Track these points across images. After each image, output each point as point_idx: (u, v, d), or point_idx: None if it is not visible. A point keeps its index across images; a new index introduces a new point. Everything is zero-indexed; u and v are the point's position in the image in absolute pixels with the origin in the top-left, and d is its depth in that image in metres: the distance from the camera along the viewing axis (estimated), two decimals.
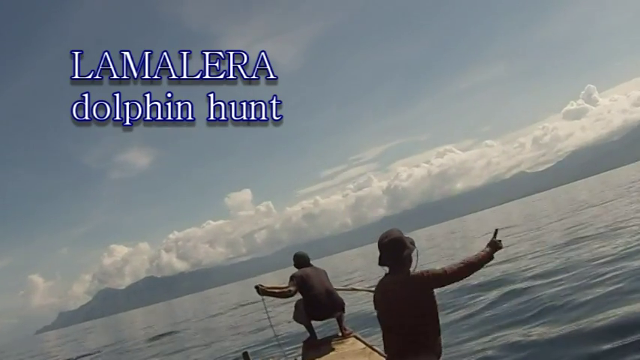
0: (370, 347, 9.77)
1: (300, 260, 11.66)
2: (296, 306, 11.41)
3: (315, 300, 10.98)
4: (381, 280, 5.52)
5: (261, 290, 10.33)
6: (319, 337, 11.60)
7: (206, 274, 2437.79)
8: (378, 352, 9.22)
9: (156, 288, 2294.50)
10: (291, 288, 10.83)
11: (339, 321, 11.33)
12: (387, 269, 5.60)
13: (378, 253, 5.62)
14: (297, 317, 11.42)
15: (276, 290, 10.71)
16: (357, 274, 45.50)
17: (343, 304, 11.23)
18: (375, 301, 5.52)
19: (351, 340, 10.95)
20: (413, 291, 5.35)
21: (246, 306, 43.55)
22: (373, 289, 5.65)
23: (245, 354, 8.71)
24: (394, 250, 5.53)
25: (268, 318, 11.52)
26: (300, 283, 10.99)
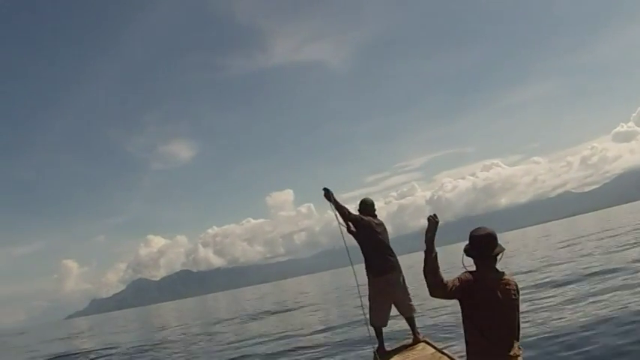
0: (440, 351, 9.76)
1: (367, 207, 11.28)
2: (371, 307, 11.08)
3: (377, 251, 10.81)
4: (481, 275, 5.33)
5: (331, 195, 10.14)
6: (394, 337, 11.94)
7: (242, 272, 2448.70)
8: (448, 356, 9.30)
9: (190, 282, 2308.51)
10: (358, 217, 10.75)
11: (411, 323, 11.16)
12: (470, 264, 5.50)
13: (464, 250, 5.54)
14: (372, 320, 11.06)
15: (342, 205, 10.45)
16: None
17: (399, 265, 10.98)
18: (474, 294, 5.25)
19: (422, 345, 10.87)
20: (517, 293, 5.40)
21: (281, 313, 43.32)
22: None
23: None
24: (490, 245, 5.47)
25: (342, 237, 10.94)
26: (367, 226, 10.81)
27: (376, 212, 11.34)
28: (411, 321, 11.18)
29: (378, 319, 10.92)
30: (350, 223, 10.87)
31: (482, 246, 5.42)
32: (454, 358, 9.19)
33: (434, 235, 5.41)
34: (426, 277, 5.17)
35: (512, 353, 5.16)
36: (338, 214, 10.78)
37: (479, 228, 5.64)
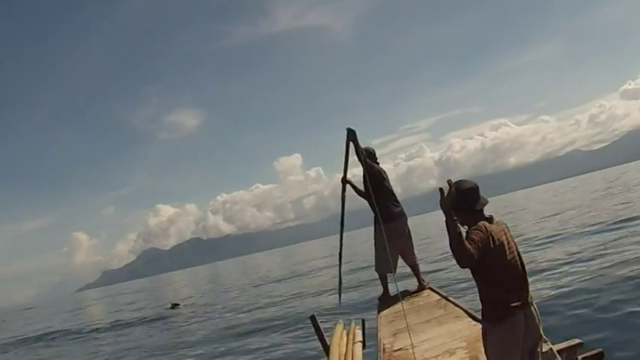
0: (446, 298, 9.81)
1: (370, 156, 10.99)
2: (375, 257, 11.16)
3: (386, 199, 10.71)
4: (483, 223, 5.09)
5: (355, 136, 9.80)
6: (399, 288, 10.97)
7: (252, 238, 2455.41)
8: (454, 303, 9.36)
9: (201, 249, 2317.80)
10: (372, 163, 10.67)
11: (416, 271, 11.21)
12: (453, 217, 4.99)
13: (439, 215, 5.23)
14: (377, 267, 11.17)
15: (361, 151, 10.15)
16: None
17: (405, 214, 10.95)
18: (492, 238, 4.99)
19: (426, 292, 11.00)
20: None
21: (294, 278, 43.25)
22: None
23: (312, 317, 8.30)
24: (478, 196, 5.27)
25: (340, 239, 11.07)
26: (378, 174, 10.74)
27: (378, 161, 11.18)
28: (415, 269, 11.21)
29: (385, 265, 10.67)
30: (360, 190, 10.93)
31: (474, 198, 5.24)
32: (459, 304, 9.25)
33: (453, 202, 4.99)
34: (454, 250, 4.83)
35: (530, 296, 5.12)
36: (356, 157, 10.31)
37: (463, 181, 5.34)
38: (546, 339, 5.27)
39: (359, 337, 7.31)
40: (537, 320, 5.06)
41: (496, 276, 5.01)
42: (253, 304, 28.01)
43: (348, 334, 7.32)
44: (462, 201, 5.14)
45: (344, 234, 11.00)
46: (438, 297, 10.27)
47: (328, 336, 8.20)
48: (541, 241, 26.09)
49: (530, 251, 22.97)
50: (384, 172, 10.93)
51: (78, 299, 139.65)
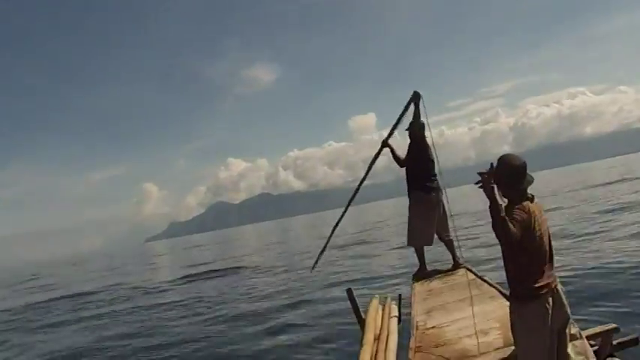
0: (481, 278, 9.87)
1: (421, 129, 10.79)
2: (409, 230, 11.24)
3: (426, 171, 10.79)
4: (527, 204, 5.08)
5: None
6: (433, 266, 11.55)
7: (323, 195, 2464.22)
8: (489, 283, 9.38)
9: (270, 205, 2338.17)
10: (423, 134, 10.65)
11: (451, 248, 11.27)
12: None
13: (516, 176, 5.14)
14: (411, 240, 11.27)
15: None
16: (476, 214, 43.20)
17: (441, 189, 10.78)
18: (533, 219, 5.01)
19: (462, 271, 10.86)
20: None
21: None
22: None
23: (349, 290, 8.19)
24: (525, 174, 5.19)
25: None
26: (425, 147, 10.72)
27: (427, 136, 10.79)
28: (450, 245, 11.25)
29: (422, 237, 11.02)
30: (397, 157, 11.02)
31: (522, 175, 5.17)
32: (494, 284, 9.27)
33: (501, 178, 5.01)
34: (498, 234, 4.81)
35: (555, 277, 5.15)
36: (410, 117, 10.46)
37: (514, 156, 5.23)
38: (573, 321, 5.27)
39: (395, 312, 7.32)
40: (565, 302, 5.09)
41: (528, 256, 5.01)
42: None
43: (384, 309, 7.34)
44: (510, 176, 5.09)
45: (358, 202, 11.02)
46: (473, 276, 10.30)
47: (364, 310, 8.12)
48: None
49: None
50: (430, 146, 10.74)
51: (146, 250, 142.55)
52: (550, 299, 4.97)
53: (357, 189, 10.90)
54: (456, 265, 11.27)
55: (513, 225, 4.78)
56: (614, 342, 6.01)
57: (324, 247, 10.88)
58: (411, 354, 6.83)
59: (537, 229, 5.00)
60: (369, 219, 78.48)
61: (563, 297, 5.08)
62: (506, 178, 5.07)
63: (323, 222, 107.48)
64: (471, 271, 10.72)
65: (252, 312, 17.73)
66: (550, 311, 4.95)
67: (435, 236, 11.14)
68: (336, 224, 10.87)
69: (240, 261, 39.62)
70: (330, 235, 10.86)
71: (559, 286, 5.11)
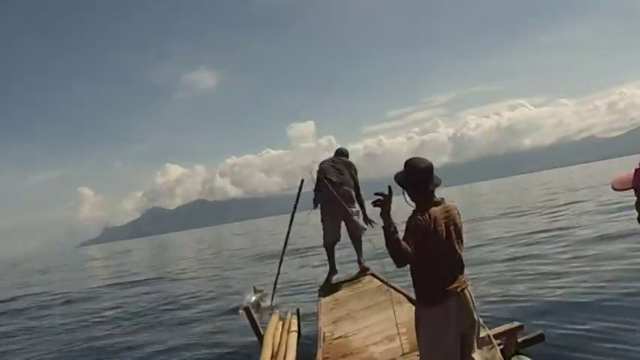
0: (387, 284, 9.72)
1: (337, 152, 12.48)
2: (324, 229, 11.90)
3: (326, 181, 11.43)
4: (431, 211, 5.07)
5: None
6: (338, 274, 11.99)
7: (259, 203, 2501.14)
8: (395, 289, 9.38)
9: (206, 212, 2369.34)
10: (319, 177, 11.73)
11: (358, 248, 11.78)
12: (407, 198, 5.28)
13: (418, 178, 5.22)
14: (324, 241, 11.95)
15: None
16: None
17: (353, 199, 11.59)
18: (434, 224, 4.99)
19: (368, 278, 11.43)
20: (459, 216, 5.40)
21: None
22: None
23: (247, 309, 7.75)
24: (432, 176, 5.22)
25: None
26: (321, 172, 11.71)
27: (348, 156, 12.48)
28: (357, 245, 11.76)
29: (330, 235, 11.72)
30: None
31: (428, 178, 5.16)
32: (400, 289, 9.37)
33: (389, 208, 4.95)
34: (392, 255, 4.81)
35: (463, 280, 5.08)
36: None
37: (419, 159, 5.27)
38: (483, 324, 5.40)
39: (294, 326, 7.02)
40: (472, 305, 5.06)
41: (432, 260, 4.99)
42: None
43: (283, 324, 6.99)
44: (416, 179, 5.15)
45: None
46: (379, 283, 10.52)
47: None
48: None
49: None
50: (339, 162, 12.08)
51: (80, 254, 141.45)
52: (455, 302, 4.92)
53: (293, 212, 11.68)
54: (362, 270, 11.73)
55: (409, 244, 4.84)
56: (520, 340, 5.86)
57: (276, 278, 11.46)
58: None
59: (440, 234, 5.00)
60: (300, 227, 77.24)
61: (471, 300, 5.05)
62: (413, 181, 5.16)
63: (257, 229, 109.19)
64: (376, 277, 11.09)
65: (169, 320, 17.29)
66: (454, 315, 4.91)
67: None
68: (285, 242, 11.73)
69: (168, 268, 39.22)
70: (282, 257, 11.65)
71: (468, 289, 5.07)
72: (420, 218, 4.97)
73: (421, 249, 4.87)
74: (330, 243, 11.82)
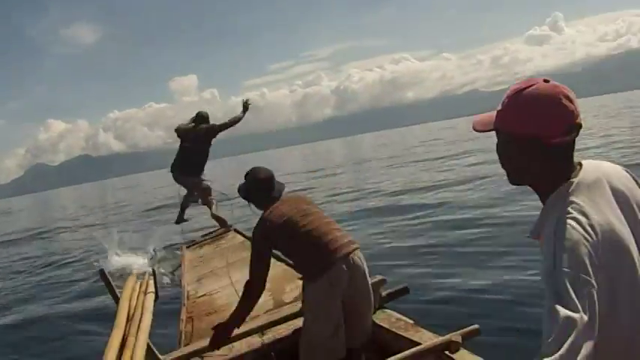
0: (249, 239, 9.49)
1: (203, 119, 12.62)
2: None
3: (187, 153, 12.42)
4: (274, 208, 5.08)
5: None
6: (203, 237, 12.33)
7: (142, 157, 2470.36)
8: None
9: (90, 167, 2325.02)
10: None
11: (218, 219, 12.31)
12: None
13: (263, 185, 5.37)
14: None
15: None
16: (297, 174, 45.08)
17: (202, 169, 12.68)
18: (283, 221, 4.97)
19: (231, 234, 11.61)
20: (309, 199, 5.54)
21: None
22: None
23: (101, 271, 6.18)
24: (273, 183, 5.36)
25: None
26: (182, 135, 12.56)
27: (208, 120, 12.69)
28: (209, 206, 12.45)
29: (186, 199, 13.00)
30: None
31: (269, 187, 5.25)
32: None
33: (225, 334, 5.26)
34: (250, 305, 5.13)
35: (351, 243, 4.94)
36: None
37: (259, 169, 5.39)
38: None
39: (151, 288, 6.29)
40: (362, 271, 4.88)
41: (300, 246, 4.93)
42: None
43: (140, 286, 6.39)
44: (257, 189, 5.25)
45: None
46: (243, 239, 10.53)
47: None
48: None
49: None
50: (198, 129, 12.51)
51: None
52: (342, 271, 4.76)
53: None
54: (225, 229, 11.99)
55: (261, 256, 4.95)
56: (384, 294, 5.78)
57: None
58: (182, 325, 6.79)
59: (295, 221, 4.93)
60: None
61: (362, 266, 4.90)
62: (254, 191, 5.28)
63: (139, 183, 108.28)
64: (240, 233, 11.14)
65: (40, 282, 16.43)
66: (341, 284, 4.78)
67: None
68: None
69: (52, 224, 38.29)
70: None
71: (355, 255, 4.90)
72: (264, 224, 4.97)
73: (282, 244, 5.00)
74: (184, 200, 13.00)
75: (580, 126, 1.91)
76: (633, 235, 1.91)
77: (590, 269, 1.74)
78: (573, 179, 1.92)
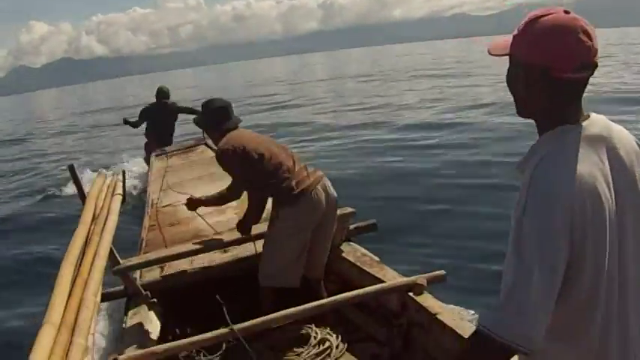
0: None
1: (159, 92, 12.98)
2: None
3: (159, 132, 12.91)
4: (232, 145, 5.01)
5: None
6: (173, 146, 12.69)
7: (125, 62, 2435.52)
8: None
9: (72, 70, 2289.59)
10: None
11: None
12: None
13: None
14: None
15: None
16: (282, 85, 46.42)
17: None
18: (251, 149, 4.95)
19: (202, 147, 11.76)
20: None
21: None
22: None
23: (71, 167, 6.48)
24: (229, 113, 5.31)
25: None
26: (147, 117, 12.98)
27: (169, 97, 13.15)
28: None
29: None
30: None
31: (223, 117, 5.15)
32: None
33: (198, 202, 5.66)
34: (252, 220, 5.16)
35: (316, 174, 5.04)
36: None
37: (214, 99, 5.31)
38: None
39: (119, 189, 6.43)
40: (329, 199, 4.93)
41: (273, 170, 4.90)
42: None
43: (108, 187, 6.46)
44: (210, 120, 5.19)
45: None
46: (213, 153, 9.92)
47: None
48: None
49: None
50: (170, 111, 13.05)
51: None
52: (321, 195, 4.84)
53: None
54: (197, 142, 12.14)
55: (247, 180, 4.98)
56: (351, 227, 5.81)
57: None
58: (144, 232, 6.82)
59: (258, 151, 4.92)
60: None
61: (333, 194, 4.98)
62: (209, 120, 5.19)
63: (122, 87, 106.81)
64: (211, 148, 10.89)
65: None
66: (321, 208, 4.85)
67: None
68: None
69: (34, 125, 39.50)
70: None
71: (322, 184, 4.95)
72: (227, 151, 4.94)
73: (252, 172, 4.91)
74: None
75: (596, 65, 1.80)
76: (616, 207, 1.84)
77: (558, 226, 1.69)
78: (573, 124, 1.84)
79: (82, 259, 4.07)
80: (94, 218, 5.15)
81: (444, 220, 9.13)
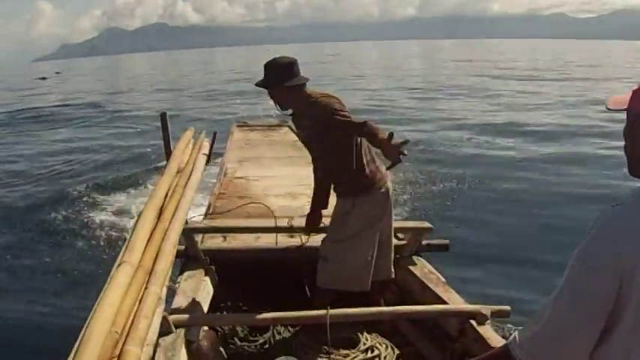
0: (303, 142, 9.33)
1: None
2: None
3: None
4: (317, 100, 4.39)
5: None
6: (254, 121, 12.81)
7: (218, 32, 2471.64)
8: None
9: (165, 35, 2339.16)
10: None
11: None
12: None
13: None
14: None
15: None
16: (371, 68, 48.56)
17: None
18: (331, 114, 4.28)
19: (285, 129, 11.68)
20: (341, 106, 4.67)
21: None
22: None
23: (163, 115, 7.33)
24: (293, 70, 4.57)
25: None
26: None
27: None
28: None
29: None
30: None
31: (290, 72, 4.41)
32: None
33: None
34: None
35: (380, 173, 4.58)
36: None
37: (279, 57, 4.55)
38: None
39: (205, 149, 6.58)
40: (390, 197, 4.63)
41: (358, 151, 4.44)
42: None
43: (195, 144, 6.66)
44: (282, 73, 4.40)
45: None
46: (295, 138, 10.27)
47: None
48: None
49: None
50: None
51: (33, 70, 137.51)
52: (383, 194, 4.51)
53: None
54: (281, 122, 12.02)
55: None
56: (424, 242, 5.53)
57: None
58: (212, 199, 6.89)
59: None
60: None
61: (389, 194, 4.64)
62: (281, 74, 4.42)
63: (215, 58, 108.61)
64: (294, 131, 10.54)
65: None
66: (384, 205, 4.53)
67: None
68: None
69: (122, 90, 39.86)
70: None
71: (388, 181, 4.63)
72: (336, 100, 4.32)
73: (345, 144, 4.35)
74: None
75: None
76: None
77: (599, 268, 1.61)
78: None
79: (164, 207, 4.15)
80: (179, 171, 5.22)
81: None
